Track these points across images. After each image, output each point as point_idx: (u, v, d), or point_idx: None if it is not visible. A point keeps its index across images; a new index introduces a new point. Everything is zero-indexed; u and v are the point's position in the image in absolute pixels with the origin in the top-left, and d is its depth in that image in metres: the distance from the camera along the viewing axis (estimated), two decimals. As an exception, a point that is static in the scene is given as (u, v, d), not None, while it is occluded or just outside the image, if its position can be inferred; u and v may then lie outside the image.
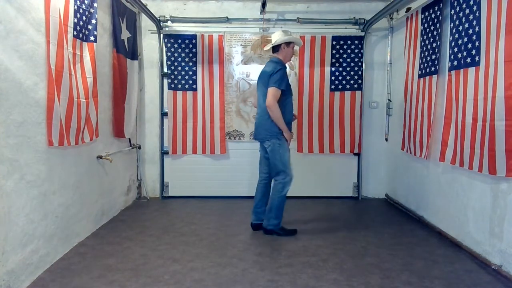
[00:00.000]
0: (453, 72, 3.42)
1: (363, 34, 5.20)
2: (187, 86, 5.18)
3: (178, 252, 3.32)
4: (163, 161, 5.35)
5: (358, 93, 5.23)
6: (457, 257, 3.24)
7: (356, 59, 5.21)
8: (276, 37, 3.71)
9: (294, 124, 4.90)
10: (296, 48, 5.11)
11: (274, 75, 3.54)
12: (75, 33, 3.24)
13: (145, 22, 5.14)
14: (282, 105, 3.61)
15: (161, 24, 5.14)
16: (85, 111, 3.44)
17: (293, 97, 5.18)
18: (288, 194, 3.74)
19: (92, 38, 3.51)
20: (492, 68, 2.87)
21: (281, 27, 5.22)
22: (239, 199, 5.18)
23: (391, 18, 5.11)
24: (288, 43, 3.71)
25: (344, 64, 5.20)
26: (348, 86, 5.22)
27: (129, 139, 4.79)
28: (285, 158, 3.66)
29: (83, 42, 3.40)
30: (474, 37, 3.10)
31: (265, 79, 3.64)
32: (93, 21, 3.52)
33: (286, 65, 5.19)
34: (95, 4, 3.53)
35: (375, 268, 3.02)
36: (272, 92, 3.53)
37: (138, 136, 5.19)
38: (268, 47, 3.85)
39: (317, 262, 3.13)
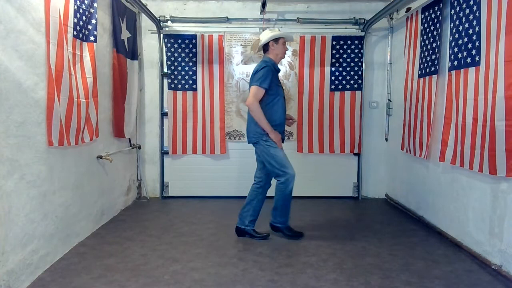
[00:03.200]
0: (453, 72, 3.42)
1: (363, 34, 5.20)
2: (187, 86, 5.18)
3: (178, 252, 3.32)
4: (163, 161, 5.35)
5: (358, 93, 5.23)
6: (457, 257, 3.24)
7: (356, 59, 5.21)
8: (263, 36, 3.59)
9: (294, 125, 4.91)
10: (295, 48, 5.13)
11: (257, 73, 3.42)
12: (75, 33, 3.24)
13: (145, 22, 5.14)
14: (269, 105, 3.47)
15: (161, 24, 5.14)
16: (85, 111, 3.44)
17: (293, 97, 5.25)
18: (288, 194, 3.72)
19: (92, 38, 3.51)
20: (492, 68, 2.87)
21: (281, 27, 5.22)
22: (239, 199, 5.15)
23: (391, 18, 5.11)
24: (276, 40, 3.55)
25: (344, 64, 5.20)
26: (348, 86, 5.22)
27: (129, 139, 4.79)
28: (279, 157, 3.47)
29: (83, 42, 3.40)
30: (474, 37, 3.10)
31: (251, 78, 3.54)
32: (93, 21, 3.52)
33: (286, 64, 5.26)
34: (95, 4, 3.53)
35: (375, 268, 3.02)
36: (253, 91, 3.39)
37: (138, 136, 5.19)
38: (258, 49, 3.75)
39: (317, 262, 3.13)
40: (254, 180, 3.76)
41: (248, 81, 5.19)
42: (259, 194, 3.70)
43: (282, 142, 3.61)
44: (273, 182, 3.69)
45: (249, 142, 3.66)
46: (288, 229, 3.70)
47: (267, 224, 3.80)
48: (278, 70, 3.66)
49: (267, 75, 3.39)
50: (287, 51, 3.77)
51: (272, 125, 3.45)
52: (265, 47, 3.60)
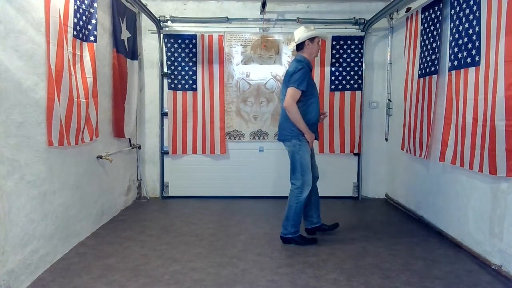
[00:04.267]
0: (453, 72, 3.42)
1: (363, 34, 5.20)
2: (187, 86, 5.17)
3: (178, 252, 3.32)
4: (163, 161, 5.35)
5: (358, 93, 5.23)
6: (457, 257, 3.24)
7: (356, 59, 5.21)
8: (298, 34, 3.52)
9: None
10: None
11: (295, 75, 3.39)
12: (75, 33, 3.24)
13: (145, 22, 5.14)
14: (304, 106, 3.48)
15: (161, 24, 5.14)
16: (85, 111, 3.44)
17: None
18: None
19: (92, 38, 3.51)
20: (492, 68, 2.87)
21: (281, 27, 5.23)
22: (239, 199, 5.18)
23: (391, 18, 5.11)
24: (312, 39, 3.51)
25: (344, 64, 5.20)
26: (348, 86, 5.22)
27: (129, 139, 4.79)
28: (305, 160, 3.49)
29: (83, 42, 3.40)
30: (474, 37, 3.10)
31: (286, 79, 3.51)
32: (93, 21, 3.52)
33: (286, 64, 5.26)
34: (95, 4, 3.53)
35: (375, 268, 3.02)
36: (291, 93, 3.38)
37: (138, 136, 5.19)
38: (292, 46, 3.70)
39: (317, 262, 3.13)
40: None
41: (248, 81, 5.26)
42: (312, 188, 3.67)
43: (316, 139, 3.66)
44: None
45: (280, 140, 3.67)
46: (300, 238, 3.58)
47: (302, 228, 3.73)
48: (311, 68, 3.64)
49: (304, 77, 3.39)
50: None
51: (307, 125, 3.47)
52: (300, 45, 3.55)
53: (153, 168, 5.35)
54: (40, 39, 2.82)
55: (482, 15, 3.00)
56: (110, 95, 4.23)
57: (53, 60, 2.92)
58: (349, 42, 5.17)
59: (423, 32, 4.08)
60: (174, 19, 5.15)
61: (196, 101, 5.20)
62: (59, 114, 3.00)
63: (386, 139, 5.35)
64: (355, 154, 5.36)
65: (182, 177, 5.34)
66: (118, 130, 4.41)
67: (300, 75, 3.37)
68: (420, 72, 4.15)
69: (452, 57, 3.42)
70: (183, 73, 5.16)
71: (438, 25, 3.77)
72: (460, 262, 3.14)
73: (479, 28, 3.03)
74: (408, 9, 4.51)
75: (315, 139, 3.61)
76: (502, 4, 2.76)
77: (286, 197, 3.62)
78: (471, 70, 3.14)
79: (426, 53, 4.00)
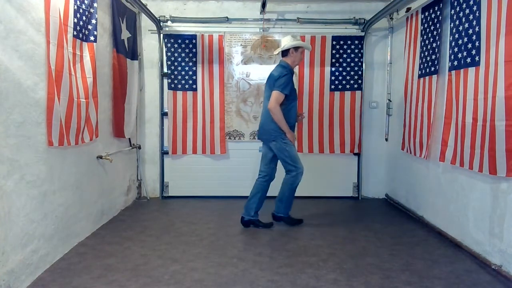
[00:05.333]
0: (453, 72, 3.42)
1: (363, 34, 5.20)
2: (187, 86, 5.18)
3: (178, 252, 3.32)
4: (163, 161, 5.35)
5: (358, 93, 5.23)
6: (457, 257, 3.24)
7: (356, 59, 5.21)
8: (285, 41, 3.88)
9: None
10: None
11: (279, 80, 3.72)
12: (75, 33, 3.24)
13: (145, 22, 5.14)
14: (286, 109, 3.80)
15: (161, 24, 5.14)
16: (85, 111, 3.44)
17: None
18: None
19: (92, 38, 3.50)
20: (492, 68, 2.87)
21: (281, 27, 5.23)
22: (239, 199, 5.16)
23: (391, 18, 5.11)
24: (296, 48, 3.86)
25: (344, 64, 5.20)
26: (348, 86, 5.22)
27: (129, 139, 4.79)
28: (293, 154, 3.86)
29: (83, 42, 3.40)
30: (474, 37, 3.10)
31: (271, 82, 3.82)
32: (93, 21, 3.52)
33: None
34: (95, 4, 3.53)
35: (375, 268, 3.02)
36: (275, 96, 3.71)
37: (138, 136, 5.19)
38: (277, 51, 4.02)
39: (317, 262, 3.13)
40: (259, 175, 4.07)
41: (248, 81, 5.26)
42: (264, 187, 4.01)
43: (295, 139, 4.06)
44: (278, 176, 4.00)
45: (262, 139, 4.04)
46: (289, 218, 4.07)
47: (269, 216, 4.14)
48: (293, 73, 3.98)
49: (288, 81, 3.76)
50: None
51: (288, 126, 3.82)
52: (285, 52, 3.90)
53: (153, 168, 5.35)
54: (40, 39, 2.82)
55: (482, 15, 3.00)
56: (110, 95, 4.23)
57: (53, 60, 2.92)
58: (349, 42, 5.17)
59: (423, 32, 4.08)
60: (174, 19, 5.15)
61: (196, 101, 5.20)
62: (59, 114, 3.00)
63: (386, 139, 5.35)
64: (355, 154, 5.36)
65: (182, 177, 5.34)
66: (118, 130, 4.41)
67: (284, 80, 3.73)
68: (420, 72, 4.15)
69: (452, 57, 3.42)
70: (183, 73, 5.16)
71: (438, 25, 3.77)
72: (460, 262, 3.14)
73: (479, 28, 3.03)
74: (408, 9, 4.51)
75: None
76: (502, 4, 2.76)
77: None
78: (471, 70, 3.13)
79: (426, 53, 4.00)
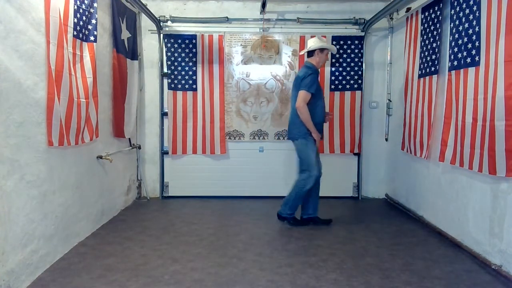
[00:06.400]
0: (453, 72, 3.42)
1: (363, 34, 5.20)
2: (187, 86, 5.18)
3: (178, 252, 3.32)
4: (163, 161, 5.35)
5: (358, 93, 5.23)
6: (457, 257, 3.24)
7: (356, 59, 5.21)
8: (311, 43, 4.01)
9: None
10: (295, 48, 5.14)
11: (305, 79, 3.82)
12: (75, 33, 3.24)
13: (145, 22, 5.14)
14: (312, 107, 3.87)
15: (161, 24, 5.14)
16: (85, 111, 3.44)
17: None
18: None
19: (92, 38, 3.50)
20: (492, 68, 2.87)
21: (281, 27, 5.23)
22: (239, 199, 5.18)
23: (391, 18, 5.11)
24: (322, 50, 3.98)
25: (344, 64, 5.21)
26: (348, 86, 5.23)
27: (129, 139, 4.79)
28: (310, 157, 3.93)
29: (83, 42, 3.40)
30: (474, 37, 3.10)
31: (297, 83, 3.92)
32: (93, 21, 3.52)
33: (286, 64, 5.28)
34: (95, 4, 3.53)
35: (375, 268, 3.02)
36: (302, 95, 3.81)
37: (138, 136, 5.19)
38: (303, 52, 4.15)
39: (317, 262, 3.13)
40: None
41: (248, 81, 5.26)
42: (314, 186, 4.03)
43: (321, 139, 4.08)
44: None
45: (289, 138, 4.12)
46: (293, 219, 4.10)
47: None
48: (318, 73, 4.07)
49: (314, 81, 3.86)
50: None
51: (314, 124, 3.88)
52: (310, 53, 4.02)
53: (153, 168, 5.35)
54: (40, 39, 2.82)
55: (482, 15, 3.00)
56: (110, 95, 4.23)
57: (53, 60, 2.92)
58: (349, 42, 5.17)
59: (423, 32, 4.08)
60: (174, 19, 5.15)
61: (196, 101, 5.20)
62: (59, 114, 3.00)
63: (386, 139, 5.35)
64: (355, 154, 5.37)
65: (182, 177, 5.34)
66: (118, 130, 4.41)
67: (310, 79, 3.82)
68: (420, 72, 4.15)
69: (452, 57, 3.42)
70: (183, 73, 5.16)
71: (438, 25, 3.78)
72: (460, 262, 3.14)
73: (479, 28, 3.03)
74: (408, 9, 4.51)
75: (320, 138, 4.01)
76: (502, 4, 2.76)
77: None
78: (471, 70, 3.14)
79: (426, 53, 4.00)
